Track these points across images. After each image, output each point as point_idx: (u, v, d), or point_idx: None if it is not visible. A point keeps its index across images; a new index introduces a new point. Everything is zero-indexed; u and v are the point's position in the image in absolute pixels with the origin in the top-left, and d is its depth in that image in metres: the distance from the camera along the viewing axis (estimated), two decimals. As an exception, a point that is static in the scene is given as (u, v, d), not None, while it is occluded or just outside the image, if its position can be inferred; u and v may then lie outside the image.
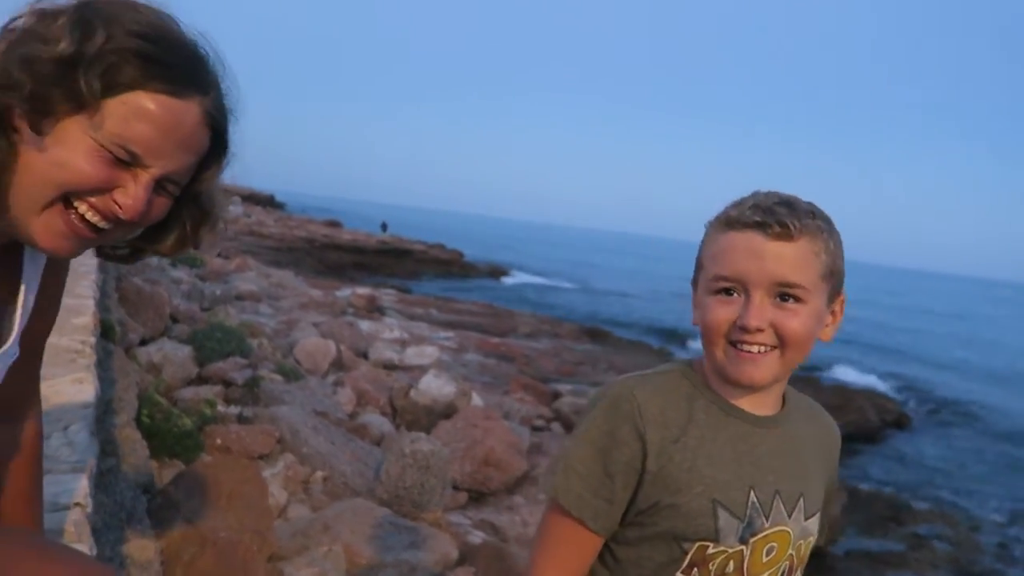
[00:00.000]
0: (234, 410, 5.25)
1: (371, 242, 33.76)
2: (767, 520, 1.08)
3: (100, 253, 0.97)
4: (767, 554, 1.08)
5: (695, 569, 1.06)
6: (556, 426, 8.25)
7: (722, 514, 1.05)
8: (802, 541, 1.13)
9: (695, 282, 1.14)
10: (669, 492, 1.04)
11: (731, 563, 1.06)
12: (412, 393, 6.48)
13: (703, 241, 1.11)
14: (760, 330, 1.02)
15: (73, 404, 1.85)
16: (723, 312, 1.05)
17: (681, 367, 1.15)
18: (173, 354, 6.09)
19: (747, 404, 1.10)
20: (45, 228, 0.81)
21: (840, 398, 12.96)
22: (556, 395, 9.46)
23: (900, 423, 14.25)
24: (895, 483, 10.81)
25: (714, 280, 1.06)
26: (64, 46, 0.76)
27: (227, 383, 6.08)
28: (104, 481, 2.15)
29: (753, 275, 1.02)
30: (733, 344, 1.05)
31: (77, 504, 1.40)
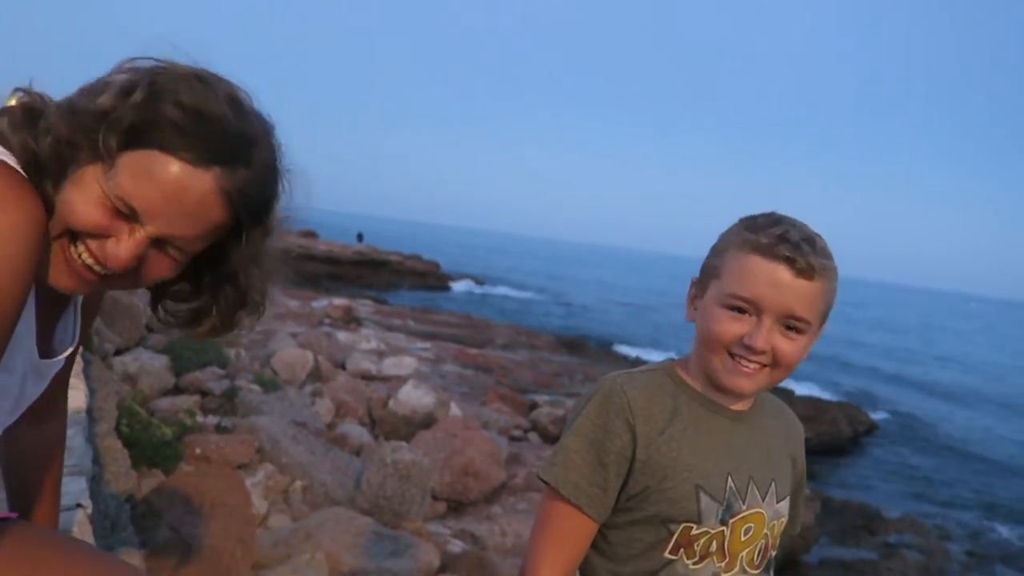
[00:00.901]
0: (212, 420, 5.23)
1: (347, 253, 33.60)
2: (743, 503, 1.17)
3: (159, 319, 1.04)
4: (745, 533, 1.18)
5: (681, 549, 1.15)
6: (533, 436, 8.28)
7: (703, 498, 1.14)
8: (775, 522, 1.22)
9: (700, 285, 1.19)
10: (656, 478, 1.13)
11: (714, 543, 1.15)
12: (391, 403, 6.49)
13: (721, 252, 1.15)
14: (763, 352, 1.12)
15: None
16: (732, 327, 1.12)
17: (665, 366, 1.24)
18: (150, 364, 6.05)
19: (725, 401, 1.20)
20: (53, 259, 0.86)
21: (813, 409, 13.13)
22: (533, 406, 9.49)
23: (871, 434, 14.47)
24: (867, 493, 10.97)
25: (731, 296, 1.12)
26: (102, 101, 0.82)
27: (204, 393, 6.05)
28: (89, 489, 2.15)
29: (769, 303, 1.11)
30: (732, 355, 1.14)
31: (79, 505, 1.42)
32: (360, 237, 45.55)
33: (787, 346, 1.12)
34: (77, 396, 2.05)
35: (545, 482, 1.15)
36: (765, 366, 1.14)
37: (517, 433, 8.13)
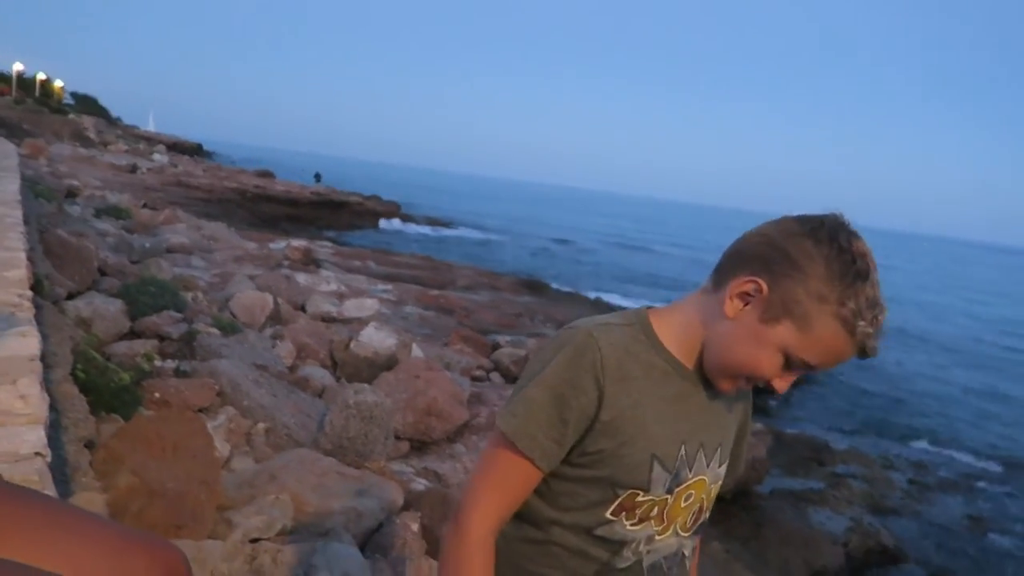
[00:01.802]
0: (171, 364, 5.18)
1: (305, 194, 32.99)
2: (691, 472, 1.16)
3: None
4: (685, 500, 1.17)
5: (623, 512, 1.14)
6: (496, 376, 8.37)
7: (656, 468, 1.12)
8: (714, 485, 1.22)
9: (771, 310, 1.04)
10: (615, 443, 1.09)
11: (655, 508, 1.15)
12: (353, 345, 6.48)
13: (819, 300, 1.01)
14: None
15: (19, 357, 1.81)
16: (776, 376, 1.08)
17: (641, 319, 1.16)
18: (104, 308, 5.93)
19: (693, 365, 1.15)
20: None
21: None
22: (496, 346, 9.57)
23: (823, 371, 14.92)
24: (817, 426, 11.40)
25: (797, 359, 1.05)
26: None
27: (162, 337, 5.96)
28: (48, 437, 2.13)
29: (821, 369, 1.07)
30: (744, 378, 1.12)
31: (38, 454, 1.40)
32: (318, 177, 44.75)
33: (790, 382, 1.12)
34: (30, 343, 2.01)
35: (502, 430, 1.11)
36: None
37: (479, 374, 8.21)
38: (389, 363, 6.32)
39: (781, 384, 1.09)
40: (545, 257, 31.62)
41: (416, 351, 6.96)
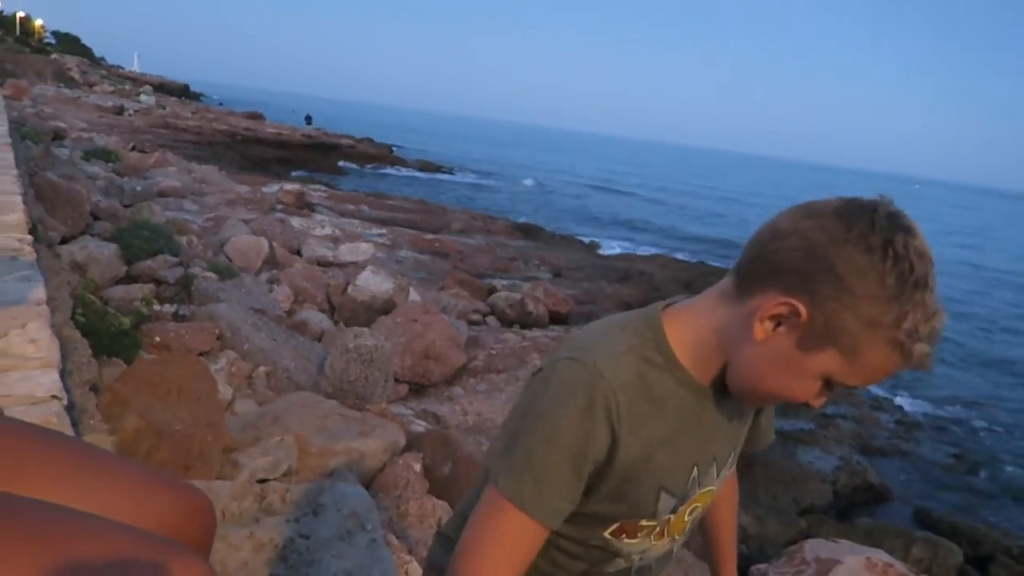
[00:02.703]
0: (169, 308, 5.18)
1: (296, 136, 32.56)
2: (700, 488, 1.07)
3: None
4: (689, 514, 1.09)
5: (623, 534, 1.05)
6: (491, 320, 8.43)
7: (664, 497, 1.02)
8: (717, 488, 1.11)
9: (811, 335, 0.87)
10: (618, 481, 0.98)
11: (657, 528, 1.06)
12: (350, 290, 6.49)
13: (869, 325, 0.84)
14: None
15: (27, 302, 1.81)
16: (808, 398, 0.93)
17: (654, 334, 0.99)
18: (98, 252, 5.90)
19: (709, 381, 1.00)
20: None
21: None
22: (491, 290, 9.61)
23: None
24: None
25: (837, 383, 0.90)
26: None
27: (158, 282, 5.96)
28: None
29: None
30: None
31: (54, 396, 1.42)
32: (309, 119, 44.13)
33: None
34: (35, 287, 2.00)
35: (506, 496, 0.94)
36: None
37: (475, 317, 8.26)
38: (387, 307, 6.35)
39: (817, 403, 0.94)
40: (539, 200, 31.46)
41: (413, 295, 6.99)
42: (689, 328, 0.98)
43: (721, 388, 1.00)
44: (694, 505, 1.08)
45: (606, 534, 1.04)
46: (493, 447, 1.00)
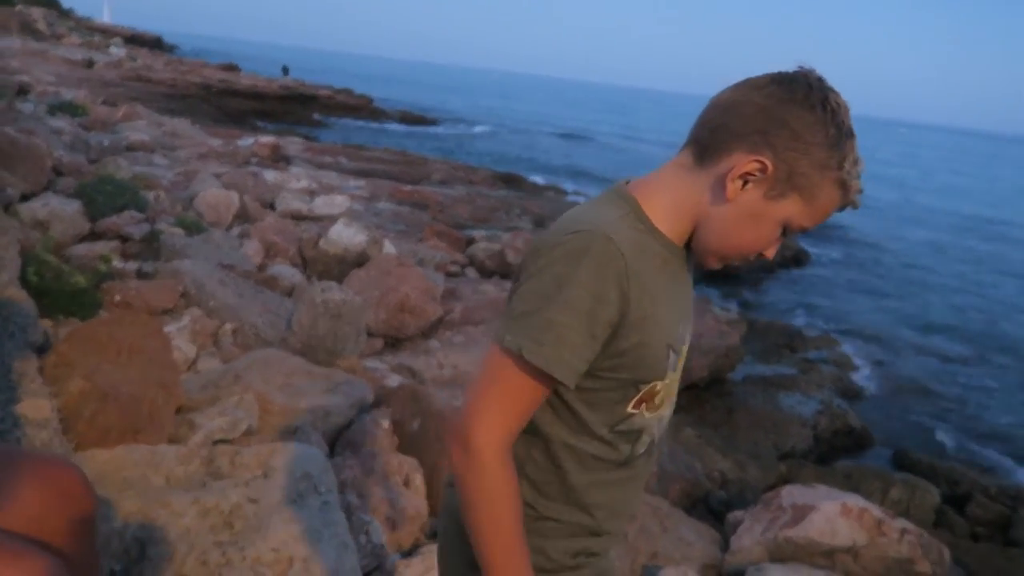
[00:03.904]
0: (132, 266, 5.03)
1: (272, 87, 31.80)
2: (684, 344, 1.16)
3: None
4: (681, 372, 1.18)
5: (643, 404, 1.11)
6: (470, 271, 8.32)
7: (671, 354, 1.10)
8: (687, 344, 1.20)
9: (776, 186, 1.02)
10: (634, 342, 1.05)
11: (664, 391, 1.14)
12: (322, 243, 6.34)
13: (820, 169, 1.01)
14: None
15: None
16: (769, 246, 1.10)
17: (632, 206, 1.09)
18: (60, 209, 5.72)
19: (681, 243, 1.13)
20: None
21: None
22: (470, 241, 9.47)
23: (801, 264, 15.03)
24: (790, 313, 11.56)
25: (799, 227, 1.06)
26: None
27: (124, 238, 5.79)
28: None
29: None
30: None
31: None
32: (286, 70, 43.14)
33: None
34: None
35: (523, 357, 0.99)
36: None
37: (454, 269, 8.14)
38: (360, 260, 6.21)
39: (772, 252, 1.10)
40: (522, 149, 31.09)
41: (388, 247, 6.85)
42: (659, 198, 1.09)
43: (686, 251, 1.13)
44: (682, 361, 1.17)
45: (630, 408, 1.10)
46: (501, 319, 1.06)
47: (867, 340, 10.89)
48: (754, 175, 1.02)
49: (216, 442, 2.58)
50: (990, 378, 10.08)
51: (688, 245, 1.13)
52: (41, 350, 2.79)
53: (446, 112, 44.49)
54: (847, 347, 10.23)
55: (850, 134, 1.01)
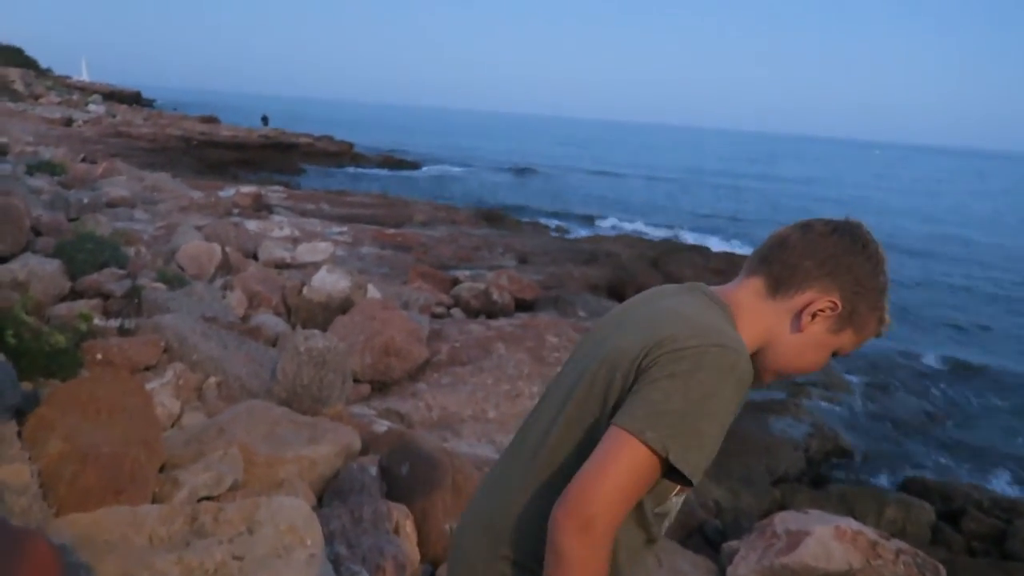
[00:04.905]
0: (114, 323, 5.00)
1: (253, 137, 32.01)
2: None
3: None
4: None
5: (680, 491, 1.20)
6: (456, 311, 8.31)
7: None
8: None
9: (841, 322, 1.24)
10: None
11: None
12: (305, 290, 6.34)
13: (872, 308, 1.24)
14: None
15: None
16: (822, 366, 1.29)
17: (733, 325, 1.24)
18: (40, 269, 5.70)
19: None
20: None
21: (726, 264, 13.63)
22: (455, 281, 9.48)
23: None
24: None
25: (844, 351, 1.26)
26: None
27: (105, 296, 5.77)
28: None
29: None
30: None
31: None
32: (265, 120, 43.45)
33: None
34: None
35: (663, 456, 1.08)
36: None
37: (439, 310, 8.13)
38: (344, 306, 6.21)
39: (819, 369, 1.34)
40: (504, 188, 31.30)
41: (372, 291, 6.84)
42: (745, 318, 1.25)
43: None
44: None
45: (673, 496, 1.20)
46: (632, 411, 1.11)
47: (855, 361, 10.93)
48: (824, 311, 1.23)
49: (200, 499, 2.55)
50: (977, 395, 10.13)
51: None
52: (21, 413, 2.76)
53: (427, 155, 44.83)
54: (835, 368, 10.26)
55: (889, 280, 1.25)
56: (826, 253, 1.22)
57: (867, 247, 1.23)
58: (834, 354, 1.27)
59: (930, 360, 11.48)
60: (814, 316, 1.22)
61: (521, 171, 39.57)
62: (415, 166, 37.41)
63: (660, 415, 1.08)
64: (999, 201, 47.91)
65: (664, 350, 1.12)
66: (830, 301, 1.21)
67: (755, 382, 1.24)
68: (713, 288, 1.30)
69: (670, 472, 1.11)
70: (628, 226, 20.81)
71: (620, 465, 1.09)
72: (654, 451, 1.08)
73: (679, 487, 1.18)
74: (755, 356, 1.25)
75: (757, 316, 1.25)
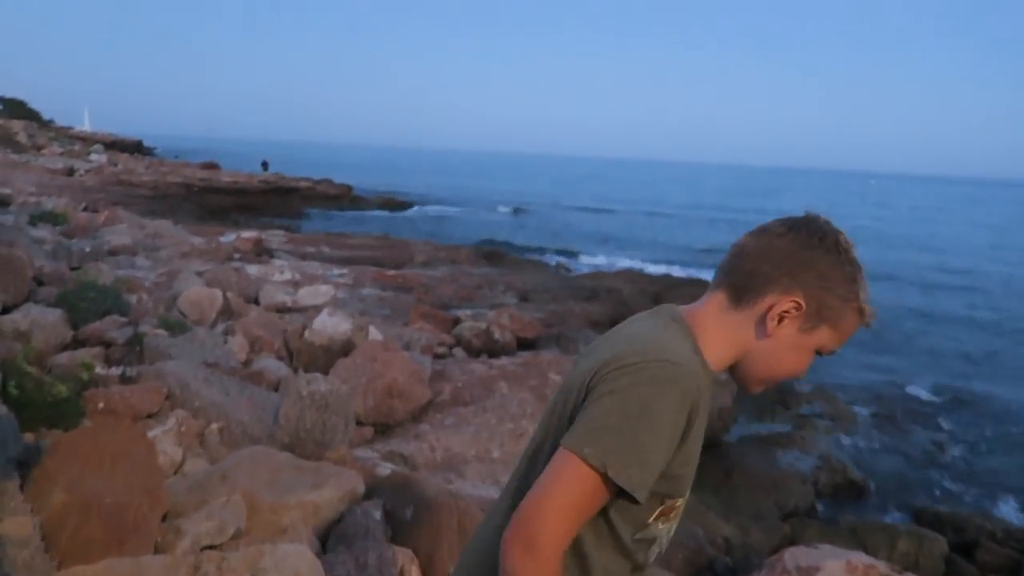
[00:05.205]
0: (116, 371, 5.00)
1: (253, 182, 32.30)
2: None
3: None
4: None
5: (661, 517, 1.20)
6: (458, 351, 8.30)
7: (695, 472, 1.22)
8: None
9: (810, 320, 1.19)
10: (681, 463, 1.16)
11: (680, 507, 1.25)
12: (307, 334, 6.34)
13: (844, 301, 1.19)
14: None
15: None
16: (805, 368, 1.24)
17: (691, 338, 1.21)
18: (42, 319, 5.71)
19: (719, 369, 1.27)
20: None
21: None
22: (456, 321, 9.48)
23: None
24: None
25: (828, 351, 1.22)
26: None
27: (107, 344, 5.77)
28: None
29: None
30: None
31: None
32: (265, 165, 43.85)
33: None
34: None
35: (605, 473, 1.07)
36: None
37: (441, 350, 8.12)
38: (346, 348, 6.20)
39: (806, 373, 1.25)
40: (504, 226, 31.48)
41: (373, 333, 6.84)
42: (710, 334, 1.22)
43: None
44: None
45: (651, 520, 1.19)
46: (574, 429, 1.11)
47: (859, 392, 10.88)
48: (789, 312, 1.19)
49: (203, 547, 2.52)
50: (984, 423, 10.05)
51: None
52: (24, 464, 2.75)
53: (426, 195, 45.17)
54: (841, 400, 10.20)
55: (859, 266, 1.19)
56: (783, 253, 1.18)
57: (825, 239, 1.18)
58: (820, 354, 1.23)
59: (935, 390, 11.42)
60: (781, 320, 1.19)
61: (519, 210, 39.82)
62: (411, 206, 37.66)
63: (599, 431, 1.08)
64: (1000, 229, 48.08)
65: (608, 369, 1.11)
66: (792, 301, 1.17)
67: (746, 391, 1.28)
68: (681, 307, 1.28)
69: (622, 490, 1.10)
70: (627, 262, 20.86)
71: (561, 484, 1.08)
72: (594, 468, 1.07)
73: (659, 511, 1.18)
74: (735, 369, 1.25)
75: (722, 330, 1.22)
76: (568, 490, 1.08)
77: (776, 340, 1.20)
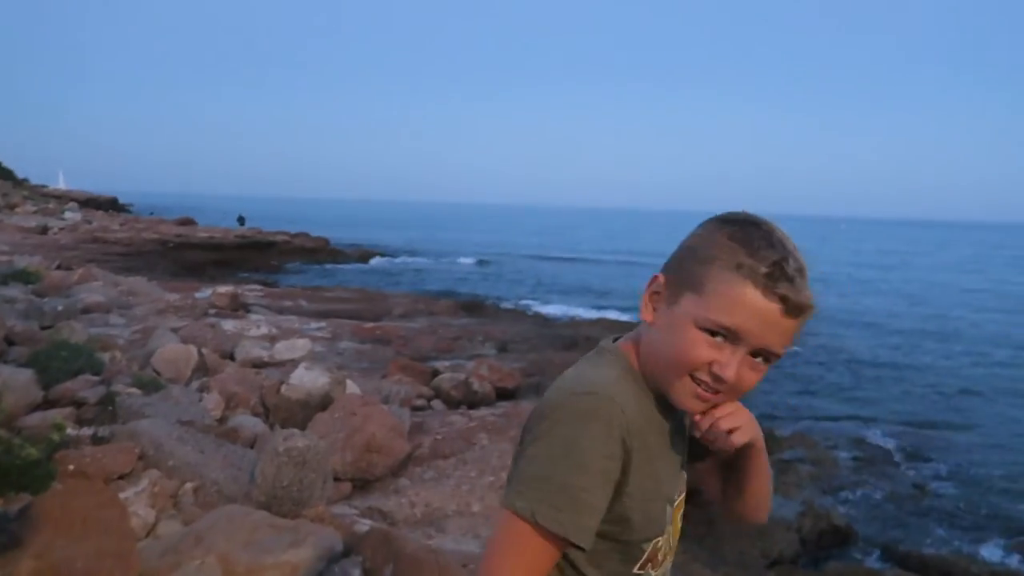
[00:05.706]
0: (88, 431, 4.90)
1: (230, 237, 32.22)
2: (678, 492, 1.20)
3: None
4: (680, 520, 1.22)
5: (648, 564, 1.14)
6: (437, 403, 8.24)
7: (667, 508, 1.15)
8: (684, 485, 1.25)
9: (673, 290, 1.08)
10: (638, 500, 1.08)
11: (664, 544, 1.17)
12: (284, 389, 6.27)
13: (706, 263, 1.04)
14: (730, 383, 1.05)
15: None
16: (708, 354, 1.04)
17: (623, 362, 1.13)
18: (12, 379, 5.60)
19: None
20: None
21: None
22: (435, 372, 9.44)
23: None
24: (760, 417, 11.56)
25: (713, 323, 1.03)
26: None
27: (79, 403, 5.67)
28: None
29: (753, 337, 1.02)
30: (693, 378, 1.07)
31: None
32: (242, 220, 43.87)
33: (752, 377, 1.07)
34: None
35: (539, 523, 1.00)
36: (721, 392, 1.07)
37: (420, 403, 8.06)
38: (324, 403, 6.14)
39: (726, 370, 1.04)
40: (479, 277, 31.57)
41: (351, 387, 6.79)
42: (638, 355, 1.14)
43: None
44: (679, 512, 1.21)
45: (636, 570, 1.12)
46: (507, 484, 1.06)
47: (839, 437, 10.91)
48: (658, 292, 1.11)
49: (177, 613, 2.45)
50: (965, 466, 10.09)
51: None
52: (-11, 531, 2.67)
53: (404, 247, 45.29)
54: (821, 445, 10.22)
55: (750, 225, 1.05)
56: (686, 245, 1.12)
57: (710, 221, 1.09)
58: (712, 333, 1.03)
59: (915, 434, 11.47)
60: (655, 304, 1.10)
61: (489, 261, 39.95)
62: (381, 256, 37.68)
63: (527, 481, 1.02)
64: (968, 271, 49.05)
65: (532, 416, 1.07)
66: (653, 278, 1.11)
67: (679, 406, 1.12)
68: (621, 338, 1.20)
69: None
70: (600, 313, 20.89)
71: (505, 544, 1.04)
72: (527, 520, 1.01)
73: (644, 558, 1.12)
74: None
75: (643, 344, 1.14)
76: (512, 550, 1.03)
77: (656, 327, 1.10)
